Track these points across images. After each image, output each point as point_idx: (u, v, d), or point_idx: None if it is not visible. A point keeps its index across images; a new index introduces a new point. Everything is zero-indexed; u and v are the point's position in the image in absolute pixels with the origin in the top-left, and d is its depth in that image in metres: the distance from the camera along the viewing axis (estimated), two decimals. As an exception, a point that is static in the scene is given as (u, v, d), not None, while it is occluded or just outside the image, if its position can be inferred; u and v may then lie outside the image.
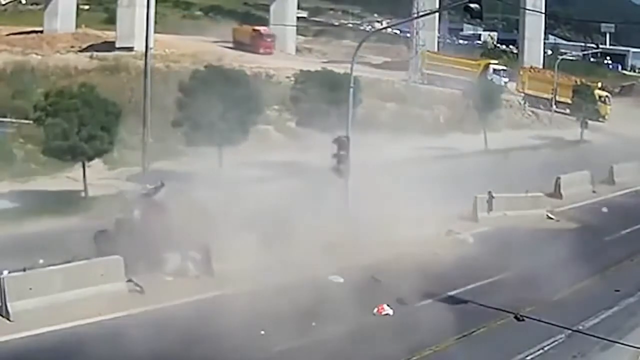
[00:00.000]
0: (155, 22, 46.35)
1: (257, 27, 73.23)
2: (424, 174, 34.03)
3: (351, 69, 26.34)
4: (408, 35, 71.46)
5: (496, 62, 69.19)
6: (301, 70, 40.74)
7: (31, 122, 31.01)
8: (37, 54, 60.49)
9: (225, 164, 33.16)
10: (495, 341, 17.51)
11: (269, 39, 71.58)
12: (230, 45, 71.51)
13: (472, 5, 21.68)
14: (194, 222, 22.06)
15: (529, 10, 71.73)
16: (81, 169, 29.65)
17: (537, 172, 34.54)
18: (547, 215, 29.93)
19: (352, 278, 21.16)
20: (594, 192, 34.76)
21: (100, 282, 19.00)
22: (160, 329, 17.27)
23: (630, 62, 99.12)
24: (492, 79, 60.12)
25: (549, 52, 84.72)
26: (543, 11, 71.67)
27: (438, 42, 75.60)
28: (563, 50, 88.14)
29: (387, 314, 19.05)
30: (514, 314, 18.75)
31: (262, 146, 40.42)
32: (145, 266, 20.83)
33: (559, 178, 33.50)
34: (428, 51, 65.83)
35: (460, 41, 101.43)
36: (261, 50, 69.42)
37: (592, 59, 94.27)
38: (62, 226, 25.88)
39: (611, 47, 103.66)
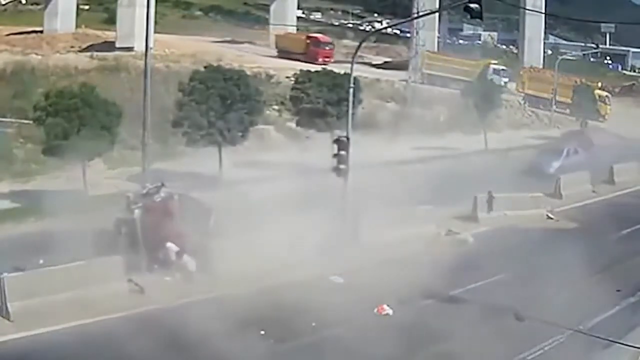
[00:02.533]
0: (155, 22, 46.31)
1: (312, 35, 69.63)
2: (423, 174, 34.11)
3: (351, 69, 26.34)
4: (408, 35, 71.40)
5: (496, 62, 69.13)
6: (301, 70, 40.74)
7: (31, 122, 31.00)
8: (37, 54, 60.47)
9: (225, 164, 33.18)
10: (496, 341, 17.47)
11: (327, 47, 68.03)
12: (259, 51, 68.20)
13: (472, 5, 21.65)
14: (194, 222, 22.11)
15: (529, 10, 71.68)
16: (81, 169, 29.64)
17: (537, 172, 34.56)
18: (547, 215, 29.94)
19: (352, 278, 21.17)
20: (593, 192, 34.76)
21: (100, 282, 18.99)
22: (159, 329, 17.30)
23: (630, 62, 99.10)
24: (492, 79, 60.01)
25: (549, 52, 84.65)
26: (543, 11, 71.59)
27: (438, 42, 75.48)
28: (563, 50, 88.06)
29: (387, 314, 19.05)
30: (515, 313, 18.72)
31: (262, 146, 40.47)
32: (146, 265, 20.87)
33: (559, 178, 33.48)
34: (428, 51, 65.76)
35: (460, 41, 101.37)
36: (320, 60, 64.26)
37: (592, 59, 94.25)
38: (62, 226, 25.87)
39: (611, 47, 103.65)
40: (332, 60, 65.12)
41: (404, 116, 54.25)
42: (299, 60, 62.61)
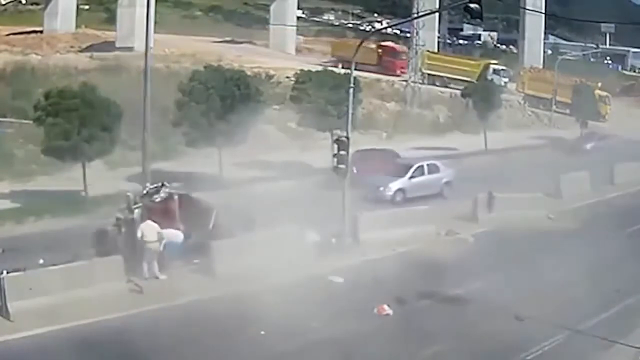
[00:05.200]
0: (155, 22, 46.30)
1: (385, 44, 65.84)
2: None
3: (351, 68, 26.33)
4: (408, 35, 71.44)
5: (496, 62, 69.20)
6: (301, 70, 40.74)
7: (31, 122, 31.00)
8: (37, 54, 60.54)
9: (225, 164, 33.18)
10: (495, 341, 17.46)
11: (404, 57, 64.41)
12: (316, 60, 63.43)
13: (472, 5, 21.64)
14: (194, 222, 22.12)
15: (529, 10, 71.81)
16: (81, 169, 29.65)
17: (537, 172, 34.53)
18: (548, 216, 29.91)
19: (352, 278, 21.16)
20: (594, 192, 34.67)
21: (100, 282, 18.99)
22: (159, 329, 17.30)
23: (630, 62, 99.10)
24: (492, 79, 60.11)
25: (549, 52, 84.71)
26: (543, 11, 71.68)
27: (438, 42, 75.58)
28: (563, 50, 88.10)
29: (387, 314, 19.03)
30: (514, 313, 18.72)
31: (262, 146, 40.43)
32: (145, 266, 20.87)
33: (559, 178, 33.47)
34: (428, 51, 65.81)
35: (460, 41, 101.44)
36: (398, 72, 63.18)
37: (592, 59, 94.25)
38: (62, 226, 25.92)
39: (611, 47, 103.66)
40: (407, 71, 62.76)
41: (404, 116, 54.34)
42: (370, 72, 59.26)
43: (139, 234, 20.62)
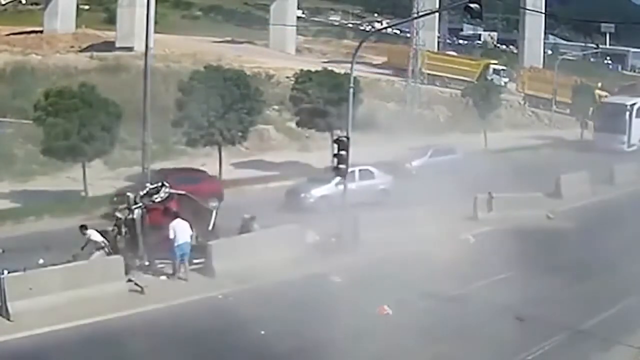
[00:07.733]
0: (155, 22, 46.35)
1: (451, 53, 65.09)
2: (421, 173, 34.08)
3: (351, 69, 26.32)
4: (408, 35, 71.47)
5: (496, 62, 69.18)
6: (301, 70, 40.76)
7: (31, 122, 31.01)
8: (37, 54, 60.54)
9: (224, 164, 33.19)
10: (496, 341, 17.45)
11: None
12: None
13: (472, 5, 21.66)
14: (194, 222, 22.12)
15: (529, 10, 71.89)
16: (81, 169, 29.66)
17: (537, 172, 34.54)
18: (547, 216, 29.93)
19: (352, 277, 21.15)
20: (594, 192, 34.67)
21: (100, 282, 19.00)
22: (159, 329, 17.31)
23: (630, 62, 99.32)
24: (492, 79, 60.12)
25: (549, 52, 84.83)
26: (543, 11, 71.76)
27: (438, 42, 75.62)
28: (563, 50, 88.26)
29: (387, 314, 19.02)
30: (515, 313, 18.72)
31: (262, 146, 40.50)
32: (145, 266, 20.89)
33: (558, 178, 33.48)
34: (428, 51, 65.82)
35: (460, 41, 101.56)
36: None
37: (592, 59, 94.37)
38: (62, 226, 25.90)
39: (611, 47, 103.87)
40: None
41: (404, 116, 54.29)
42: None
43: (171, 234, 20.63)
